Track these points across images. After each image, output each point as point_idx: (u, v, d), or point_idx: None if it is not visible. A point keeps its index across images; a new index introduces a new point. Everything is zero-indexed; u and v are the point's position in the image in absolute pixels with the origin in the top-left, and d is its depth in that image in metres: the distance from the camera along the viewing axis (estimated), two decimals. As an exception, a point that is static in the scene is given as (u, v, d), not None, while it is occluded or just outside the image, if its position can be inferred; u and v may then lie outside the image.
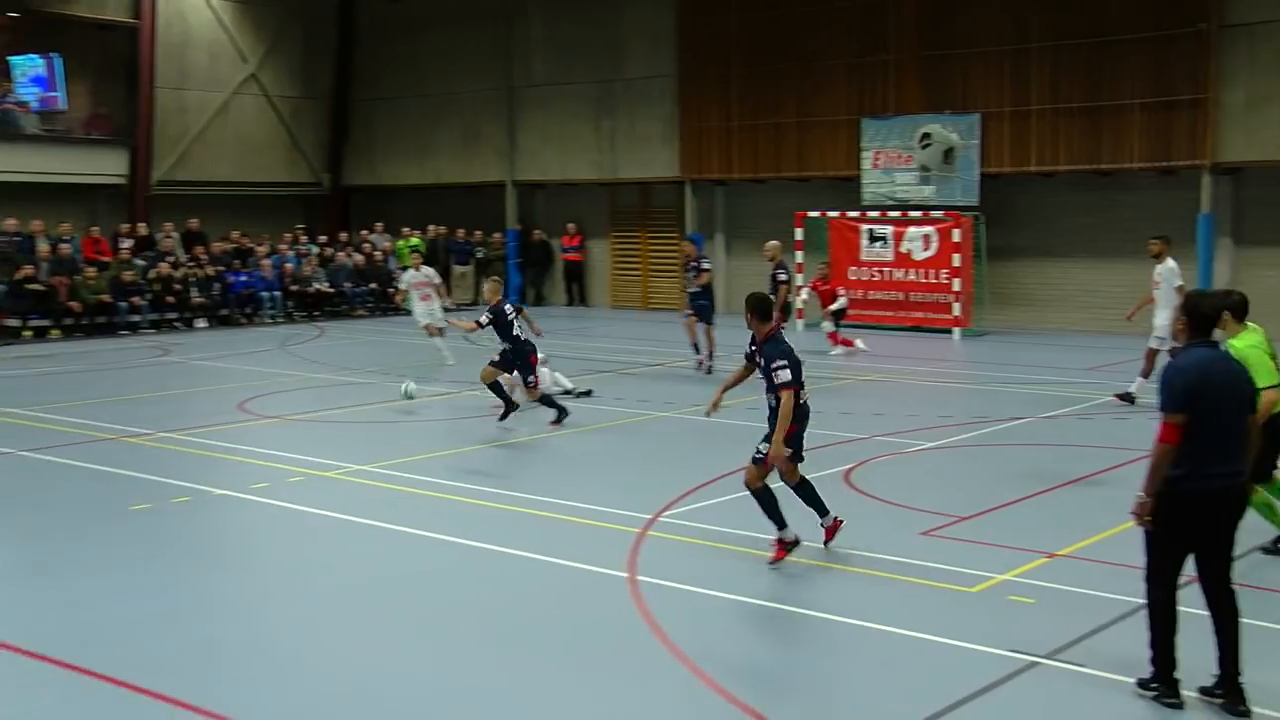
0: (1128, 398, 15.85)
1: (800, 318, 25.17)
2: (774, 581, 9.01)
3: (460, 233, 32.45)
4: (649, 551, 9.66)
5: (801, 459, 9.26)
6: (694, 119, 29.43)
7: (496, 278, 17.35)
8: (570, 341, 22.62)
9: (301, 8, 34.15)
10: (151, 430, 14.83)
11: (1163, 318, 15.48)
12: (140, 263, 27.72)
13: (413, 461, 13.04)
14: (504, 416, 14.71)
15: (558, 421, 14.77)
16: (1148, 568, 6.58)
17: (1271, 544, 9.30)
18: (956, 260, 24.45)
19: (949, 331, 24.50)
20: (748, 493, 9.22)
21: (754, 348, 9.24)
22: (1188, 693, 6.51)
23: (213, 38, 32.81)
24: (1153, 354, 15.51)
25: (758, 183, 29.04)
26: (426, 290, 20.39)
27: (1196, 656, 6.53)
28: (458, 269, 32.13)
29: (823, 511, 9.37)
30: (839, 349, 21.39)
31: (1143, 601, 6.66)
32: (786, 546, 9.08)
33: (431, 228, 32.34)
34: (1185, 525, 6.44)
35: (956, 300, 24.50)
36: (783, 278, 19.35)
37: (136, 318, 26.31)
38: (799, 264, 25.28)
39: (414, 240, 31.01)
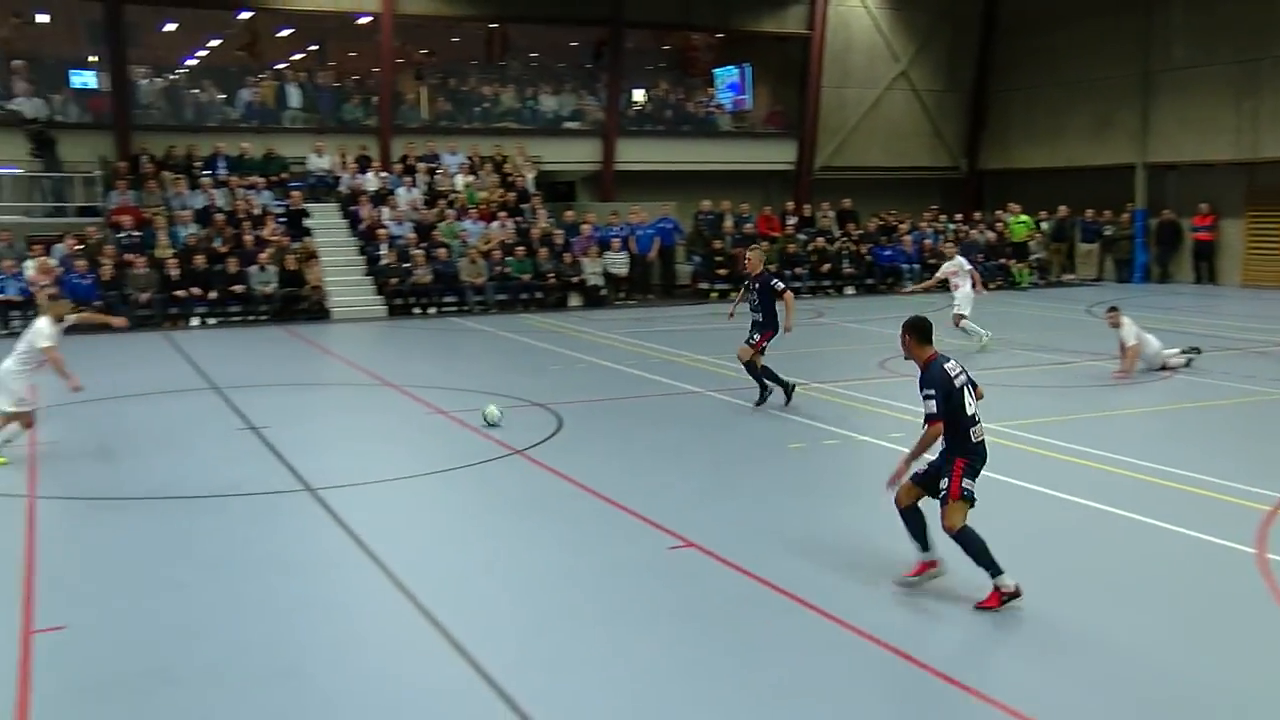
0: None
1: None
2: None
3: (1089, 213, 30.77)
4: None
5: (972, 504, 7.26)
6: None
7: (755, 246, 15.36)
8: (1193, 317, 20.69)
9: (951, 9, 33.74)
10: (807, 381, 15.41)
11: None
12: (802, 237, 29.04)
13: (1042, 423, 12.44)
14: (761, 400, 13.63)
15: (761, 402, 13.55)
16: None
17: None
18: None
19: None
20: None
21: None
22: None
23: (870, 41, 33.35)
24: None
25: None
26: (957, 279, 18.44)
27: None
28: (1083, 246, 30.82)
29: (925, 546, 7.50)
30: None
31: None
32: None
33: (1062, 208, 30.90)
34: None
35: None
36: None
37: (797, 284, 27.55)
38: None
39: (1023, 216, 29.95)
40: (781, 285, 13.80)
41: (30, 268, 21.75)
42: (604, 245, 26.70)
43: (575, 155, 30.86)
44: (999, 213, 31.78)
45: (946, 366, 7.27)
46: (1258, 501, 9.37)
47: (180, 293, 22.64)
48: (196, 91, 29.06)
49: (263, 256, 23.51)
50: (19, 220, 24.38)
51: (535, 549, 8.60)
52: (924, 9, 33.54)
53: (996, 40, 34.29)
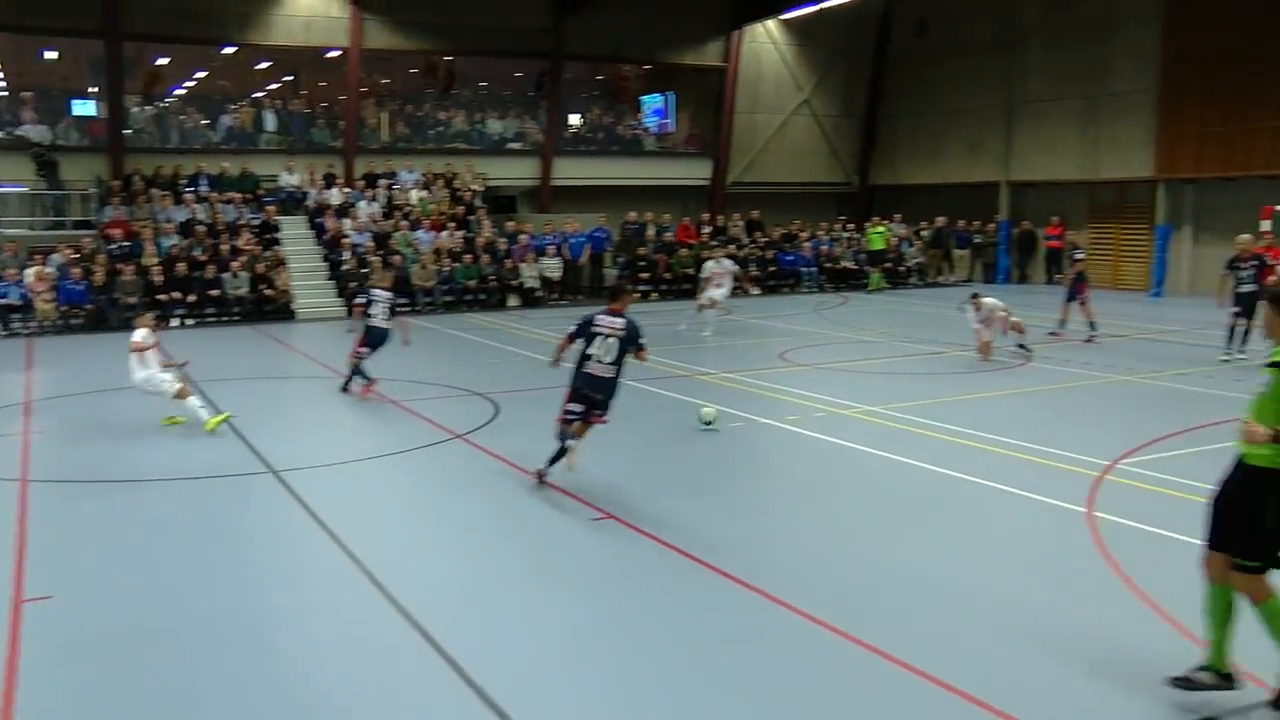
0: None
1: None
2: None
3: (962, 223, 31.32)
4: (1106, 492, 8.95)
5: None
6: (1170, 125, 26.43)
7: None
8: (1044, 313, 21.18)
9: (848, 46, 34.00)
10: (715, 370, 15.65)
11: None
12: (715, 244, 29.18)
13: (916, 405, 12.77)
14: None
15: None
16: None
17: None
18: None
19: None
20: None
21: None
22: None
23: (778, 73, 33.59)
24: None
25: (1227, 180, 25.59)
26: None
27: None
28: (958, 252, 31.37)
29: None
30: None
31: None
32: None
33: (940, 218, 31.44)
34: None
35: None
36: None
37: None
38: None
39: (880, 228, 30.42)
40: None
41: (29, 275, 21.45)
42: (540, 252, 26.66)
43: (517, 172, 30.79)
44: (866, 225, 32.04)
45: None
46: (1088, 469, 9.74)
47: (163, 296, 22.23)
48: (183, 118, 28.59)
49: (235, 264, 23.19)
50: (23, 233, 24.01)
51: (473, 521, 8.65)
52: (824, 45, 33.82)
53: (886, 74, 34.67)
